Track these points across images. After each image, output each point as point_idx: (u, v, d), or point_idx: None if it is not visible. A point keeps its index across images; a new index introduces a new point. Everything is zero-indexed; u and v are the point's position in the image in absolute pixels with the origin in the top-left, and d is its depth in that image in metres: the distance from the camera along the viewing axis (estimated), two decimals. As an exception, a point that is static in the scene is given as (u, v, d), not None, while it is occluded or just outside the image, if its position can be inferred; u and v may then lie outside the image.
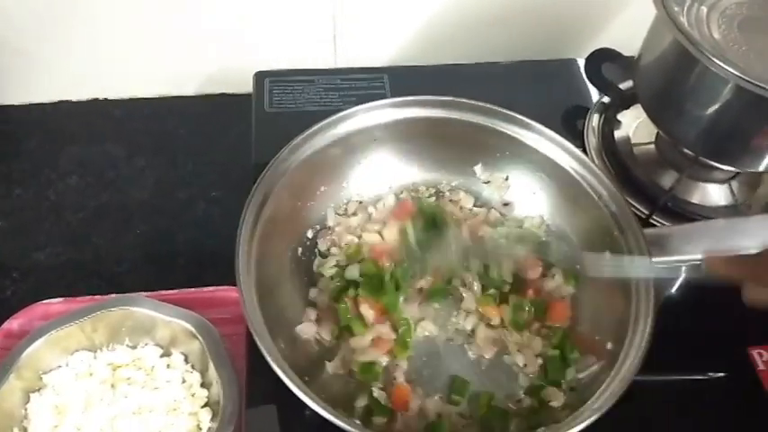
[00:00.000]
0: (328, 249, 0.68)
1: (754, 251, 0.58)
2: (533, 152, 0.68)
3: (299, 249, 0.67)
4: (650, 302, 0.58)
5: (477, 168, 0.72)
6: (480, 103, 0.68)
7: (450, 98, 0.69)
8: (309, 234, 0.68)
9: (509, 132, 0.68)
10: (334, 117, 0.66)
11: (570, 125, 0.81)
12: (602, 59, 0.80)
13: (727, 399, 0.65)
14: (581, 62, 0.88)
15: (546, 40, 0.93)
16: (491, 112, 0.68)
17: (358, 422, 0.53)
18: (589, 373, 0.59)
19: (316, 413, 0.50)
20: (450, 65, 0.88)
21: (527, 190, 0.71)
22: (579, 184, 0.66)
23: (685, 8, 0.66)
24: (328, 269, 0.66)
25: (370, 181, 0.71)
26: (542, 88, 0.86)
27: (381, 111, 0.68)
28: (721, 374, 0.67)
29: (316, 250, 0.68)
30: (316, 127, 0.65)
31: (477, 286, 0.65)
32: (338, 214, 0.70)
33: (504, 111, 0.68)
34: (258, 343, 0.51)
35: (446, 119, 0.69)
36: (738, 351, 0.67)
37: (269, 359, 0.51)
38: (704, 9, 0.67)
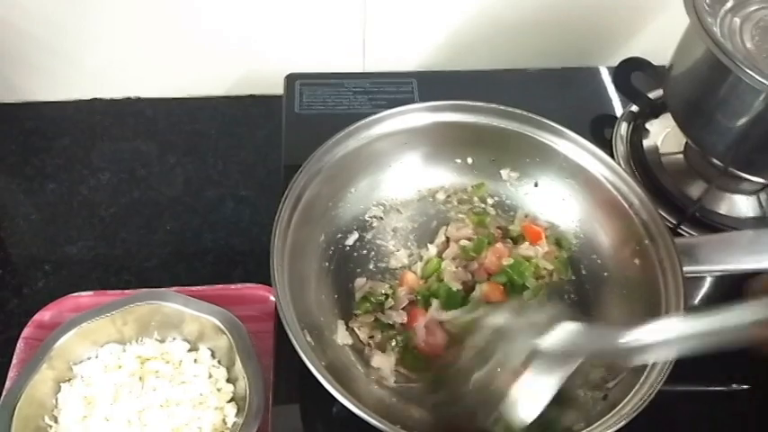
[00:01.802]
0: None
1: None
2: (564, 159, 0.68)
3: (330, 249, 0.68)
4: (680, 311, 0.58)
5: (507, 173, 0.72)
6: (511, 109, 0.69)
7: (482, 103, 0.69)
8: (339, 235, 0.69)
9: (540, 138, 0.69)
10: (366, 120, 0.67)
11: (598, 133, 0.81)
12: (631, 68, 0.80)
13: (751, 411, 0.65)
14: (603, 70, 0.89)
15: (573, 48, 0.93)
16: (522, 117, 0.69)
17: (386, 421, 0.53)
18: (618, 381, 0.59)
19: (343, 410, 0.51)
20: (478, 71, 0.89)
21: (556, 196, 0.71)
22: (610, 191, 0.66)
23: (718, 19, 0.66)
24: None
25: (399, 184, 0.72)
26: (567, 96, 0.87)
27: (412, 114, 0.69)
28: (745, 386, 0.66)
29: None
30: (348, 129, 0.66)
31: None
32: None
33: (536, 117, 0.68)
34: (292, 338, 0.52)
35: (477, 124, 0.69)
36: (763, 363, 0.66)
37: (303, 355, 0.52)
38: (737, 20, 0.67)
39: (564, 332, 0.53)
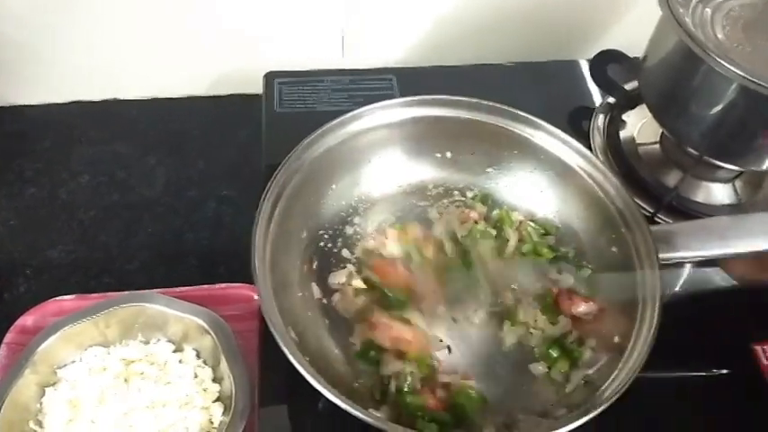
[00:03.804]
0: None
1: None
2: (541, 151, 0.69)
3: (313, 246, 0.68)
4: (656, 296, 0.59)
5: (486, 166, 0.72)
6: (490, 103, 0.69)
7: (460, 98, 0.70)
8: (321, 231, 0.69)
9: (518, 131, 0.69)
10: (346, 116, 0.67)
11: (575, 125, 0.82)
12: (607, 60, 0.81)
13: (731, 395, 0.66)
14: (583, 63, 0.89)
15: (551, 41, 0.94)
16: (500, 111, 0.69)
17: (371, 411, 0.54)
18: (598, 368, 0.60)
19: (329, 405, 0.51)
20: (457, 66, 0.89)
21: (535, 188, 0.71)
22: (587, 181, 0.67)
23: (690, 9, 0.67)
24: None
25: (380, 179, 0.72)
26: (547, 89, 0.87)
27: (392, 110, 0.69)
28: (725, 371, 0.67)
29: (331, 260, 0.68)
30: (328, 125, 0.66)
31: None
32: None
33: (513, 110, 0.69)
34: (275, 334, 0.52)
35: (456, 118, 0.69)
36: (742, 347, 0.67)
37: (286, 351, 0.52)
38: (708, 11, 0.68)
39: None
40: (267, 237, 0.59)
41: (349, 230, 0.70)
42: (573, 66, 0.90)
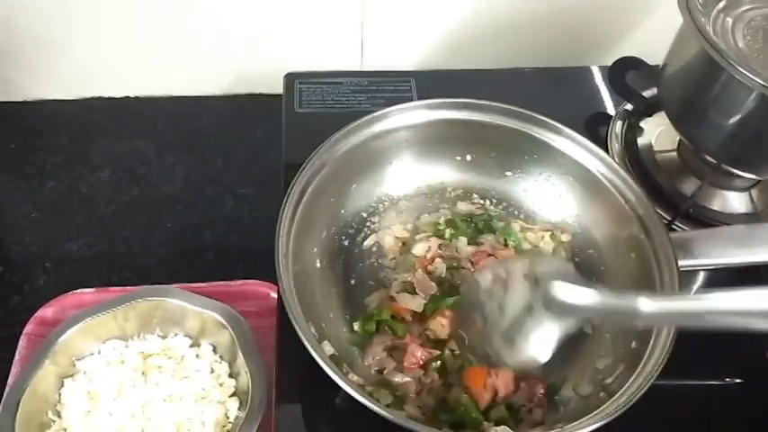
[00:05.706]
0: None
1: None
2: (561, 156, 0.69)
3: (333, 245, 0.68)
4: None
5: (505, 170, 0.73)
6: (510, 107, 0.70)
7: (482, 101, 0.70)
8: (341, 230, 0.69)
9: (538, 135, 0.69)
10: (369, 116, 0.67)
11: (592, 131, 0.82)
12: (626, 67, 0.81)
13: (744, 405, 0.66)
14: (595, 70, 0.90)
15: (567, 48, 0.95)
16: (520, 115, 0.69)
17: (389, 408, 0.54)
18: (616, 377, 0.59)
19: (346, 401, 0.52)
20: (475, 70, 0.89)
21: (554, 193, 0.71)
22: (606, 187, 0.67)
23: (711, 18, 0.67)
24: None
25: (401, 180, 0.72)
26: (561, 95, 0.87)
27: (414, 112, 0.69)
28: (738, 380, 0.67)
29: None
30: (352, 125, 0.67)
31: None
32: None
33: (534, 114, 0.69)
34: (297, 329, 0.53)
35: (477, 121, 0.70)
36: (756, 357, 0.67)
37: (307, 344, 0.52)
38: (730, 20, 0.68)
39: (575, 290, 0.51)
40: (289, 236, 0.60)
41: (368, 230, 0.70)
42: (586, 72, 0.91)
